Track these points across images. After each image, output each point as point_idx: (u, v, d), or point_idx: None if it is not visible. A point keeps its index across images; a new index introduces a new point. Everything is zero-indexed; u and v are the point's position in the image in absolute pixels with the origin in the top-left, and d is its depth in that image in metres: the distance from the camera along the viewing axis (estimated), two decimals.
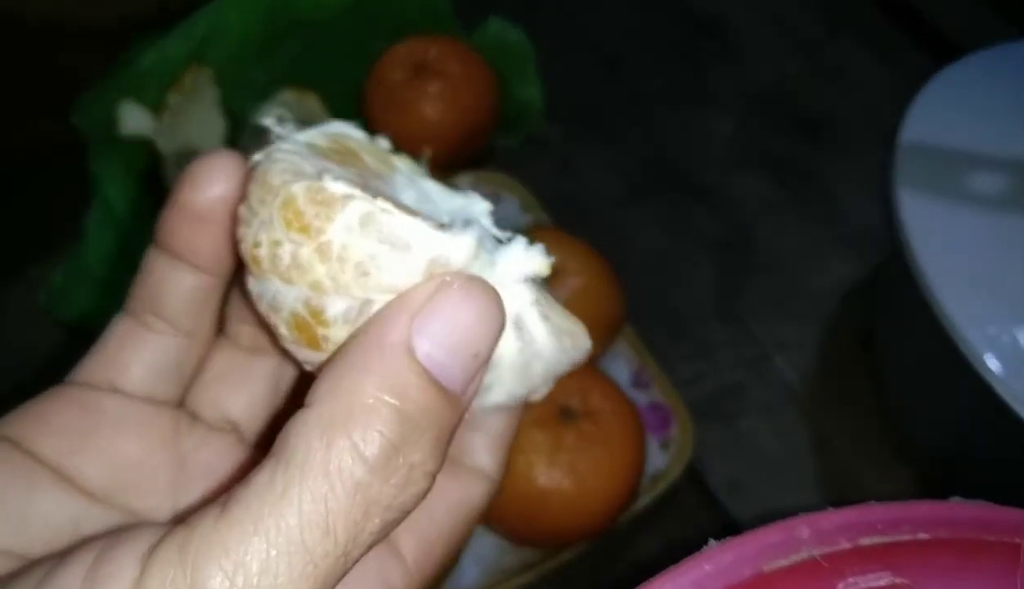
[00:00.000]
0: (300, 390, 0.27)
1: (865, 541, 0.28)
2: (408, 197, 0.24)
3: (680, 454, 0.59)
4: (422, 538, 0.24)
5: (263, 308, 0.22)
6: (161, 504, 0.24)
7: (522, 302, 0.22)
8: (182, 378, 0.26)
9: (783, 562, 0.27)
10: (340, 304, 0.21)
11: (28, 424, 0.23)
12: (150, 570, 0.18)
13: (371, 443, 0.18)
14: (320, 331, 0.21)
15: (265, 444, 0.26)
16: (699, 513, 0.60)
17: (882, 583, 0.27)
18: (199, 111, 0.66)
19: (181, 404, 0.26)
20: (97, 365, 0.25)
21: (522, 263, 0.22)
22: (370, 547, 0.19)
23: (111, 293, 0.61)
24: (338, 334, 0.21)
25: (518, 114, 0.76)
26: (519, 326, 0.22)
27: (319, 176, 0.21)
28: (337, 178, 0.21)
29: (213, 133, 0.66)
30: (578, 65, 0.84)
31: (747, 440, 0.63)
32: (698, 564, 0.27)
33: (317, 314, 0.21)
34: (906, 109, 0.56)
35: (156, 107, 0.65)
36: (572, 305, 0.62)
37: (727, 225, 0.74)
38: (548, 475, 0.52)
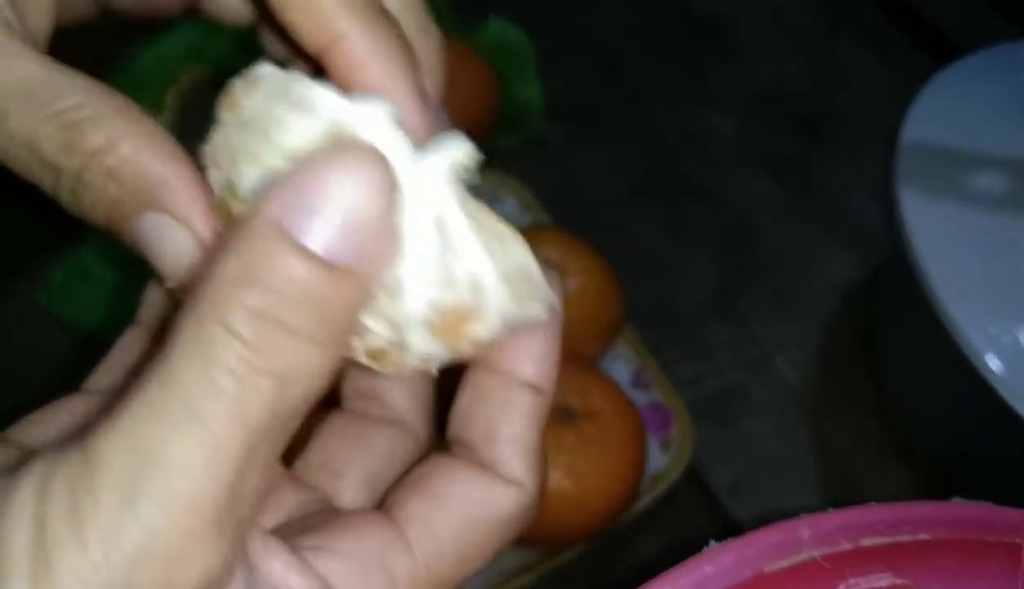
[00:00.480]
0: None
1: (866, 542, 0.28)
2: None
3: (680, 454, 0.59)
4: (432, 527, 0.23)
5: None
6: None
7: (443, 198, 0.21)
8: None
9: (784, 563, 0.27)
10: (252, 175, 0.20)
11: (35, 433, 0.24)
12: (52, 474, 0.18)
13: (237, 316, 0.18)
14: (236, 208, 0.20)
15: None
16: (699, 514, 0.60)
17: (883, 584, 0.27)
18: (197, 110, 0.66)
19: None
20: (108, 377, 0.26)
21: (443, 154, 0.20)
22: (281, 421, 0.19)
23: (111, 293, 0.61)
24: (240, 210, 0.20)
25: (518, 114, 0.76)
26: (440, 224, 0.20)
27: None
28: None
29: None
30: (578, 65, 0.84)
31: (747, 440, 0.63)
32: (699, 565, 0.27)
33: (232, 189, 0.20)
34: (907, 109, 0.56)
35: (155, 106, 0.65)
36: (572, 305, 0.62)
37: (727, 225, 0.74)
38: (548, 475, 0.52)
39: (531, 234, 0.62)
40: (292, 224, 0.18)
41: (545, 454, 0.25)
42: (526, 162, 0.76)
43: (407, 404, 0.27)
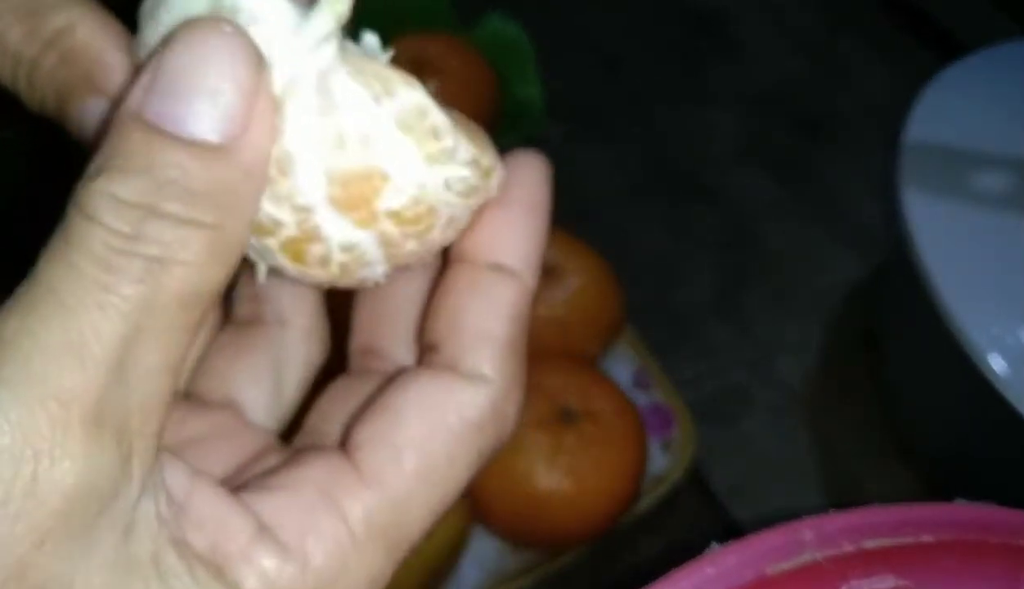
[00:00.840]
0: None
1: (868, 544, 0.28)
2: None
3: (681, 455, 0.59)
4: (386, 452, 0.20)
5: None
6: None
7: (323, 56, 0.19)
8: (187, 371, 0.25)
9: (786, 565, 0.27)
10: (142, 39, 0.20)
11: None
12: None
13: (96, 205, 0.17)
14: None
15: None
16: (701, 515, 0.60)
17: (885, 586, 0.27)
18: None
19: (188, 395, 0.25)
20: None
21: (324, 11, 0.19)
22: (166, 311, 0.18)
23: None
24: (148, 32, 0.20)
25: (518, 113, 0.76)
26: (322, 85, 0.19)
27: None
28: None
29: None
30: (578, 64, 0.84)
31: (749, 441, 0.63)
32: (700, 567, 0.27)
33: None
34: (909, 108, 0.56)
35: None
36: (572, 305, 0.62)
37: (728, 225, 0.74)
38: (548, 476, 0.52)
39: None
40: (152, 110, 0.18)
41: (523, 349, 0.23)
42: None
43: (292, 303, 0.26)
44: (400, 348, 0.25)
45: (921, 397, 0.60)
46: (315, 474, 0.20)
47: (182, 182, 0.18)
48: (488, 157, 0.21)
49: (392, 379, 0.22)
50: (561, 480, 0.52)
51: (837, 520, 0.28)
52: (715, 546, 0.28)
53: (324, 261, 0.21)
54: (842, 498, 0.61)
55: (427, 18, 0.73)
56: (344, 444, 0.21)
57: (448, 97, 0.77)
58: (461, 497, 0.53)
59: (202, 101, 0.18)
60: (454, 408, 0.21)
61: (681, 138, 0.80)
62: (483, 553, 0.56)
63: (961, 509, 0.30)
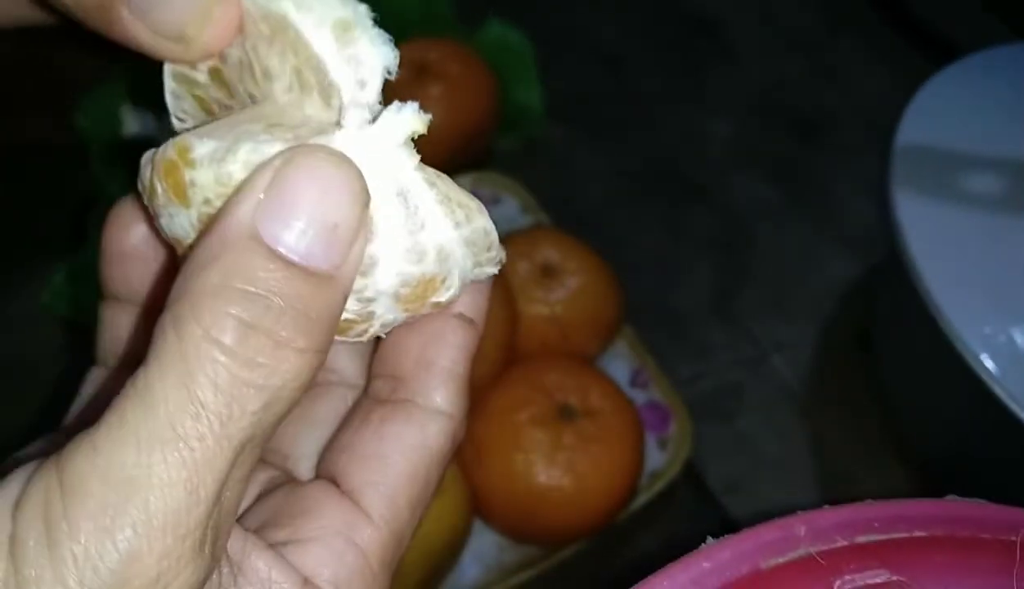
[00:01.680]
0: None
1: (862, 539, 0.28)
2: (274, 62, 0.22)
3: (678, 453, 0.59)
4: (383, 490, 0.23)
5: (146, 172, 0.22)
6: None
7: (403, 168, 0.20)
8: None
9: (780, 559, 0.27)
10: (208, 144, 0.20)
11: None
12: (29, 485, 0.17)
13: (223, 327, 0.18)
14: (187, 175, 0.20)
15: None
16: (697, 511, 0.61)
17: (879, 580, 0.27)
18: None
19: None
20: (81, 415, 0.26)
21: (396, 125, 0.20)
22: (260, 429, 0.19)
23: None
24: (203, 177, 0.20)
25: (518, 115, 0.76)
26: (404, 196, 0.20)
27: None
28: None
29: None
30: (577, 67, 0.84)
31: (745, 439, 0.64)
32: (696, 561, 0.27)
33: (184, 152, 0.20)
34: (902, 110, 0.57)
35: (158, 109, 0.65)
36: (571, 305, 0.63)
37: (725, 226, 0.75)
38: (547, 473, 0.52)
39: (531, 234, 0.63)
40: (269, 233, 0.19)
41: (468, 383, 0.26)
42: (526, 163, 0.76)
43: (352, 365, 0.27)
44: (343, 358, 0.27)
45: (914, 396, 0.60)
46: (335, 524, 0.23)
47: (301, 311, 0.19)
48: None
49: (360, 409, 0.25)
50: (560, 477, 0.52)
51: (831, 515, 0.28)
52: (711, 541, 0.28)
53: (361, 334, 0.22)
54: (836, 494, 0.61)
55: (429, 23, 0.73)
56: (339, 484, 0.24)
57: (450, 101, 0.77)
58: (462, 493, 0.54)
59: (320, 235, 0.19)
60: (427, 443, 0.24)
61: (679, 140, 0.80)
62: (483, 548, 0.56)
63: (954, 505, 0.30)
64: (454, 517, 0.51)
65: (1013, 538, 0.29)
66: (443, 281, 0.22)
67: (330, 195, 0.19)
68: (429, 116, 0.21)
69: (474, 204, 0.22)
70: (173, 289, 0.19)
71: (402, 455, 0.24)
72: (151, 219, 0.23)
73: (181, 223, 0.21)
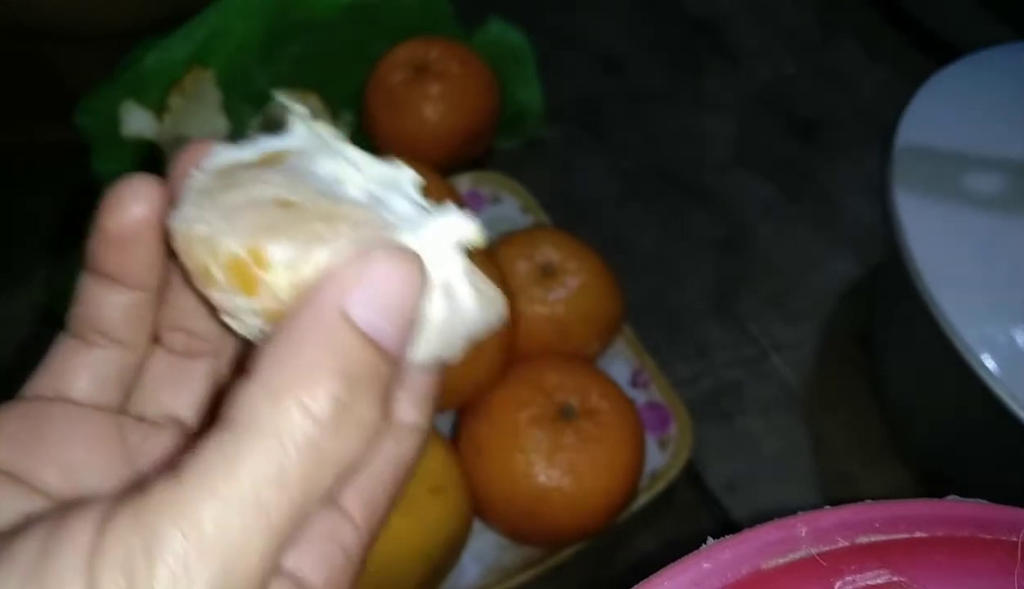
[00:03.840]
0: (240, 370, 0.28)
1: (862, 539, 0.28)
2: (330, 168, 0.25)
3: (679, 453, 0.59)
4: (367, 497, 0.25)
5: (196, 249, 0.22)
6: None
7: (453, 269, 0.23)
8: (125, 386, 0.27)
9: (781, 560, 0.27)
10: (284, 250, 0.21)
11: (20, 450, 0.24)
12: (105, 532, 0.18)
13: (319, 401, 0.19)
14: (259, 274, 0.21)
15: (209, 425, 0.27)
16: (697, 511, 0.61)
17: (879, 581, 0.27)
18: (201, 113, 0.66)
19: (125, 411, 0.27)
20: (44, 380, 0.26)
21: (453, 230, 0.23)
22: (324, 501, 0.20)
23: None
24: (278, 280, 0.21)
25: (518, 116, 0.76)
26: (448, 292, 0.23)
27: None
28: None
29: (214, 134, 0.66)
30: (577, 67, 0.84)
31: (745, 439, 0.64)
32: (696, 562, 0.27)
33: (258, 256, 0.21)
34: (903, 110, 0.57)
35: (158, 108, 0.65)
36: (571, 305, 0.63)
37: (725, 226, 0.75)
38: (548, 474, 0.52)
39: (531, 234, 0.63)
40: (359, 315, 0.20)
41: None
42: (526, 164, 0.76)
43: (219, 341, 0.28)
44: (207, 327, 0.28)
45: (915, 395, 0.60)
46: (324, 527, 0.24)
47: (379, 393, 0.20)
48: None
49: None
50: (560, 477, 0.52)
51: (831, 516, 0.28)
52: (711, 542, 0.27)
53: None
54: (837, 495, 0.61)
55: (429, 22, 0.73)
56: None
57: (450, 101, 0.77)
58: (463, 495, 0.54)
59: (398, 322, 0.21)
60: (403, 455, 0.26)
61: (678, 140, 0.80)
62: (483, 549, 0.57)
63: (954, 506, 0.29)
64: (454, 517, 0.51)
65: (1014, 538, 0.28)
66: (456, 353, 0.25)
67: (409, 289, 0.21)
68: (483, 232, 0.23)
69: (499, 297, 0.24)
70: (262, 359, 0.20)
71: (384, 466, 0.25)
72: (151, 203, 0.25)
73: (237, 303, 0.22)
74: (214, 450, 0.19)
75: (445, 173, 0.67)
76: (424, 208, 0.24)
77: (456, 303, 0.23)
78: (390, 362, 0.21)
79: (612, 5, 0.89)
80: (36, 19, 0.63)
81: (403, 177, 0.24)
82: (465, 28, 0.75)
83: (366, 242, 0.21)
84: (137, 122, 0.65)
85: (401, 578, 0.50)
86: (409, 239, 0.22)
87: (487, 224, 0.69)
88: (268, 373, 0.20)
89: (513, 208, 0.71)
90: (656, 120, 0.81)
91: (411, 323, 0.21)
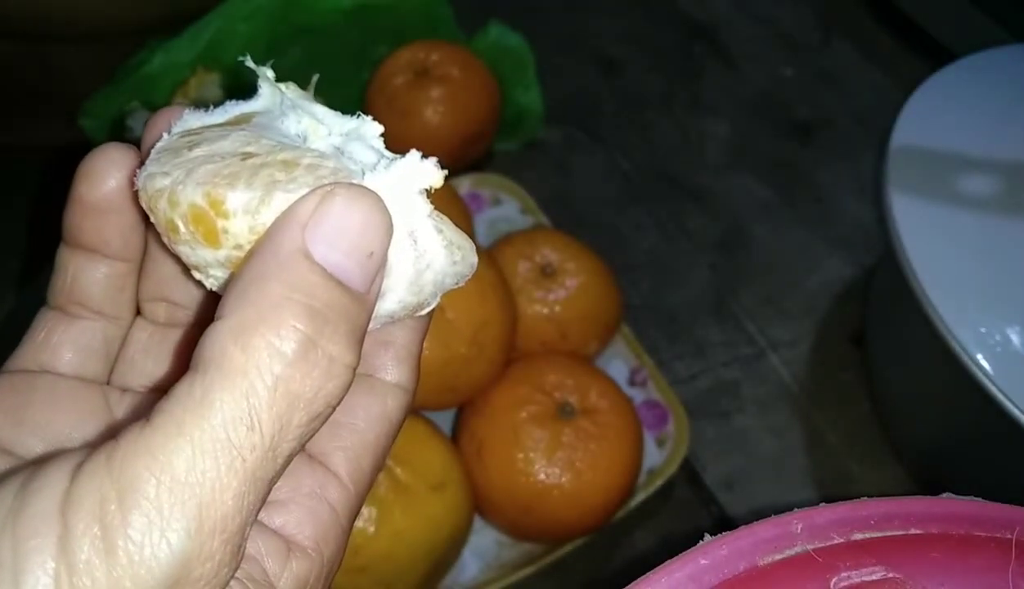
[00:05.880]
0: (205, 319, 0.28)
1: (858, 536, 0.28)
2: (297, 125, 0.25)
3: (676, 450, 0.60)
4: (351, 453, 0.25)
5: (160, 203, 0.22)
6: None
7: (417, 214, 0.23)
8: (109, 356, 0.27)
9: (777, 556, 0.27)
10: (241, 196, 0.21)
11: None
12: (79, 479, 0.18)
13: (287, 338, 0.19)
14: (220, 222, 0.21)
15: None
16: (695, 508, 0.61)
17: (875, 577, 0.27)
18: None
19: (108, 382, 0.27)
20: (28, 353, 0.26)
21: (416, 175, 0.23)
22: (301, 442, 0.20)
23: None
24: (237, 226, 0.21)
25: (517, 118, 0.76)
26: (414, 237, 0.23)
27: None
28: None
29: None
30: (576, 70, 0.85)
31: (742, 437, 0.64)
32: (694, 558, 0.27)
33: (217, 204, 0.21)
34: (898, 112, 0.57)
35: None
36: (570, 305, 0.63)
37: (722, 226, 0.75)
38: (547, 471, 0.53)
39: (531, 235, 0.63)
40: (319, 252, 0.20)
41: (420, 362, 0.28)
42: (525, 165, 0.76)
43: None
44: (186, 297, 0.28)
45: (909, 394, 0.60)
46: (309, 484, 0.24)
47: (349, 329, 0.20)
48: None
49: None
50: (559, 474, 0.53)
51: (827, 513, 0.28)
52: (708, 538, 0.28)
53: None
54: (832, 492, 0.61)
55: (430, 26, 0.73)
56: (309, 452, 0.25)
57: (450, 103, 0.77)
58: (464, 492, 0.54)
59: (362, 260, 0.20)
60: (388, 414, 0.26)
61: (677, 142, 0.80)
62: (483, 545, 0.57)
63: (949, 503, 0.30)
64: (454, 514, 0.52)
65: (1008, 535, 0.29)
66: (429, 302, 0.24)
67: (369, 227, 0.20)
68: (445, 172, 0.23)
69: (468, 245, 0.24)
70: (226, 301, 0.20)
71: (367, 424, 0.25)
72: (126, 171, 0.25)
73: (203, 256, 0.22)
74: (184, 393, 0.19)
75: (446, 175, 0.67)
76: (385, 156, 0.23)
77: (423, 249, 0.23)
78: (359, 303, 0.21)
79: (611, 8, 0.89)
80: (36, 19, 0.63)
81: (367, 129, 0.24)
82: (465, 31, 0.75)
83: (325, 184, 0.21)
84: (141, 123, 0.65)
85: (402, 574, 0.50)
86: (368, 181, 0.22)
87: (487, 225, 0.70)
88: (234, 313, 0.19)
89: (513, 209, 0.71)
90: (654, 122, 0.81)
91: (375, 262, 0.21)
